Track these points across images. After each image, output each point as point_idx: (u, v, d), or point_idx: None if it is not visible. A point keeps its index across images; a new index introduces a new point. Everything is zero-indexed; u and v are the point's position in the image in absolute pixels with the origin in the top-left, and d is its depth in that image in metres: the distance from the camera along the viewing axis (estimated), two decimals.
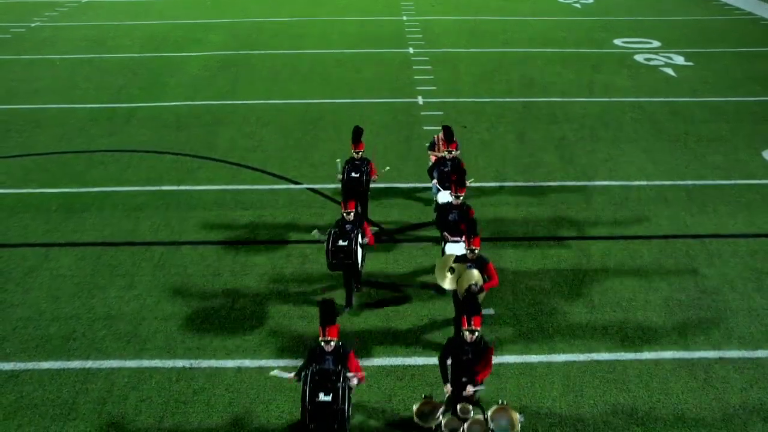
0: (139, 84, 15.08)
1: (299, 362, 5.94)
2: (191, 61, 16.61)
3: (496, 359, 6.69)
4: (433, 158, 9.27)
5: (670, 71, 15.88)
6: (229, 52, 17.41)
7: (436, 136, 9.52)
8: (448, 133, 8.76)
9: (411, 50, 17.51)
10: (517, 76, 15.50)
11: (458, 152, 8.92)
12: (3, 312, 7.56)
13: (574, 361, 6.78)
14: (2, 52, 17.54)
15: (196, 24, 20.16)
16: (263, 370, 6.64)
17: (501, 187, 10.40)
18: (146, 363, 6.77)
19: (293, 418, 6.01)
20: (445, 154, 8.62)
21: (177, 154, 11.62)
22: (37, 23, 20.37)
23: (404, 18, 20.83)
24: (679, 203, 9.95)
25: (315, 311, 6.05)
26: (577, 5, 22.55)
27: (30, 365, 6.74)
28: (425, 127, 12.57)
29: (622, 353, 6.90)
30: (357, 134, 8.55)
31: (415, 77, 15.39)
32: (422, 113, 13.34)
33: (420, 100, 14.07)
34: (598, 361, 6.78)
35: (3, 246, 8.86)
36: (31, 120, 13.15)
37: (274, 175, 10.86)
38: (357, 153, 8.51)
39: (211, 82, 15.22)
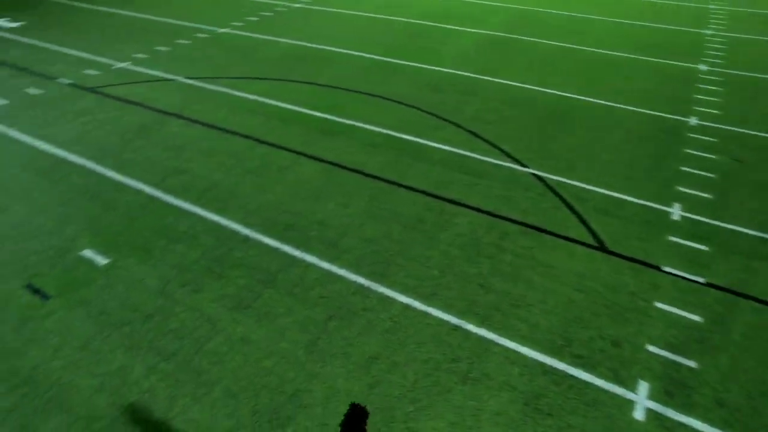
0: (415, 45, 16.44)
1: (463, 322, 6.02)
2: (466, 36, 17.40)
3: None
4: None
5: None
6: (502, 33, 17.71)
7: None
8: None
9: (703, 67, 15.38)
10: None
11: None
12: (256, 194, 9.34)
13: None
14: (315, 4, 20.83)
15: (482, 5, 20.90)
16: (425, 315, 6.97)
17: None
18: (335, 269, 7.68)
19: (437, 365, 6.20)
20: None
21: (426, 111, 12.47)
22: None
23: (708, 31, 18.29)
24: None
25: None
26: None
27: (258, 236, 8.25)
28: (688, 150, 11.08)
29: None
30: (357, 420, 4.27)
31: (696, 96, 13.53)
32: (690, 135, 11.73)
33: (693, 120, 12.37)
34: None
35: (272, 145, 10.83)
36: (323, 57, 15.50)
37: (503, 152, 10.90)
38: None
39: (477, 57, 15.77)
